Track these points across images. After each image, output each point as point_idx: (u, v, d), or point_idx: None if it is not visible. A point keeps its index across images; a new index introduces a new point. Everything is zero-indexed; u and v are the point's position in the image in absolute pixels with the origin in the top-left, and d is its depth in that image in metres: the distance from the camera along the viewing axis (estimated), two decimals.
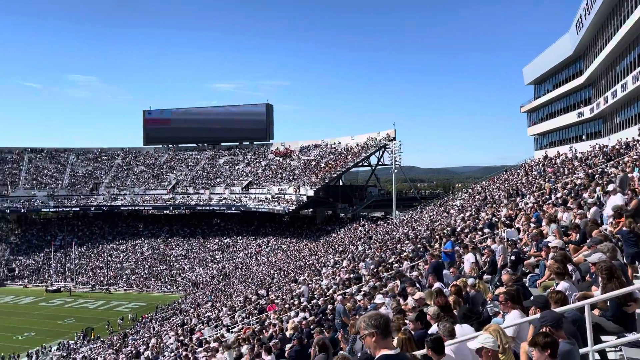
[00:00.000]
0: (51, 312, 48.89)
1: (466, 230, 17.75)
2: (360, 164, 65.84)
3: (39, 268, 65.78)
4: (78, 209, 73.62)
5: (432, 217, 33.70)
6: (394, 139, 61.58)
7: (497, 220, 16.72)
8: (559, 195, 16.07)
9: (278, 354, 10.41)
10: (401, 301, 8.56)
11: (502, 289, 6.28)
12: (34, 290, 59.28)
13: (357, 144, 67.63)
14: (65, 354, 34.13)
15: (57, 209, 73.54)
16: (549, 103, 48.88)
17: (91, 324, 42.61)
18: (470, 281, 7.81)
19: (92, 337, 39.18)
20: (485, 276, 10.11)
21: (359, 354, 7.24)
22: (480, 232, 15.60)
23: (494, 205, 22.48)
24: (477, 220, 19.71)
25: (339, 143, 71.05)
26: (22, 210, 71.58)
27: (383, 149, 64.19)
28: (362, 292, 13.01)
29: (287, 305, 18.32)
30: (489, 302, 7.34)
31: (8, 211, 71.10)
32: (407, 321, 6.48)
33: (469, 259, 10.88)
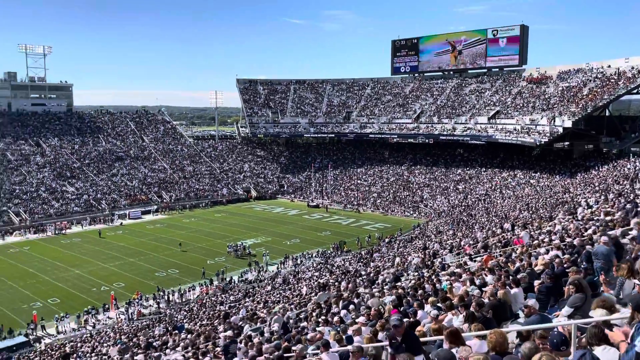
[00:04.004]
0: (312, 224, 56.36)
1: None
2: (636, 90, 55.70)
3: (301, 186, 76.03)
4: (333, 135, 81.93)
5: None
6: None
7: None
8: None
9: (525, 287, 10.08)
10: None
11: None
12: (298, 204, 68.91)
13: (633, 67, 56.96)
14: (323, 261, 39.35)
15: (316, 135, 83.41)
16: None
17: (343, 238, 47.73)
18: None
19: (344, 250, 44.09)
20: None
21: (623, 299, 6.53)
22: None
23: None
24: None
25: (609, 67, 60.94)
26: (289, 135, 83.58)
27: None
28: (630, 236, 11.44)
29: (535, 242, 17.37)
30: None
31: (279, 135, 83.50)
32: None
33: None
